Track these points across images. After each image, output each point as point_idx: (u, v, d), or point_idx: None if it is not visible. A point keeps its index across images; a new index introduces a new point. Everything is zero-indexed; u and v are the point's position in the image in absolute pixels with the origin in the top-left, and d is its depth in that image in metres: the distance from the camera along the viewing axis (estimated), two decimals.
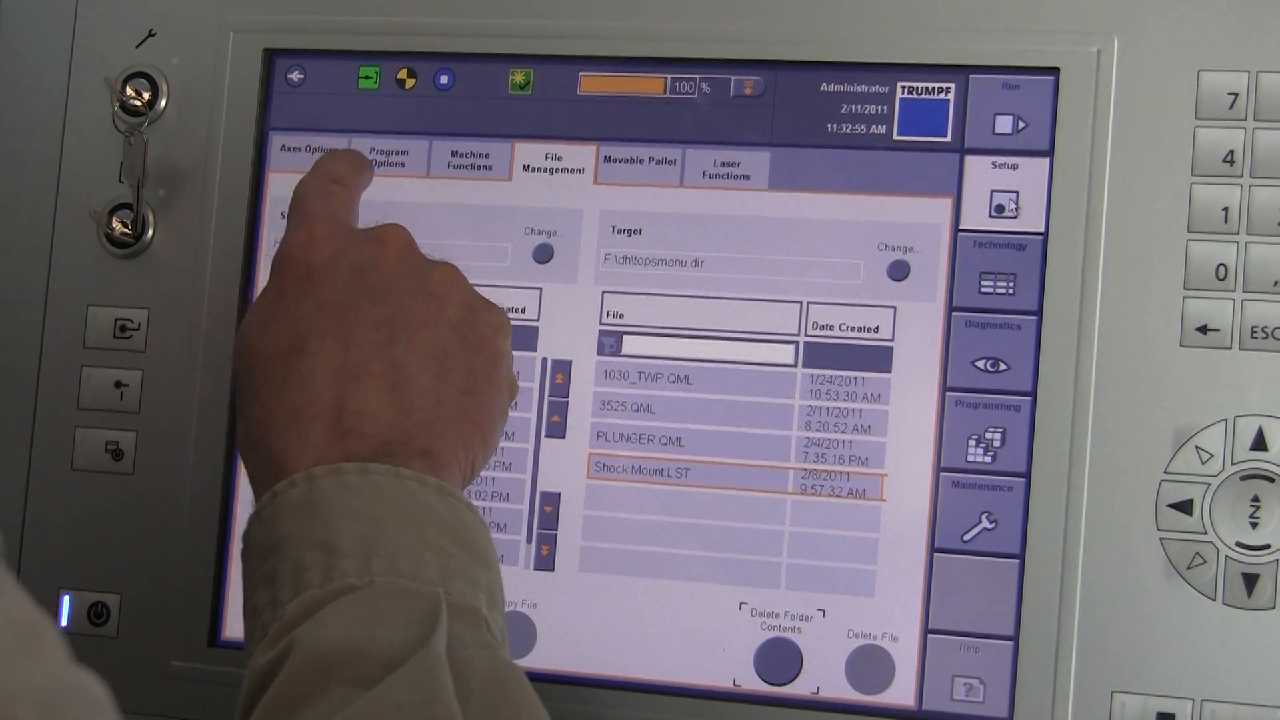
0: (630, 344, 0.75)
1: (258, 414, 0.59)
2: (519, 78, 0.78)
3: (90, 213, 0.80)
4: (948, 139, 0.73)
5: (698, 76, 0.76)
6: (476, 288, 0.64)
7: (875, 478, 0.72)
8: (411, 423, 0.58)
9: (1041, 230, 0.72)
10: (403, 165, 0.78)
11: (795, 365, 0.74)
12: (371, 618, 0.52)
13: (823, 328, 0.73)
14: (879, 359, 0.73)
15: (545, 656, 0.74)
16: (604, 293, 0.76)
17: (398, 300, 0.61)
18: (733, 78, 0.76)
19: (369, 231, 0.64)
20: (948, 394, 0.72)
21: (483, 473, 0.72)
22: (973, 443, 0.72)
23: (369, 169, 0.72)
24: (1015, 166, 0.73)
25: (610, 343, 0.75)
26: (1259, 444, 0.69)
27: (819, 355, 0.73)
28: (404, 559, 0.54)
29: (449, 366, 0.60)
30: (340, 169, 0.68)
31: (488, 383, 0.62)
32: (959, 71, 0.73)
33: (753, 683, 0.73)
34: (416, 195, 0.78)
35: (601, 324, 0.75)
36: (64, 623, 0.79)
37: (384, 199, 0.78)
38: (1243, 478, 0.70)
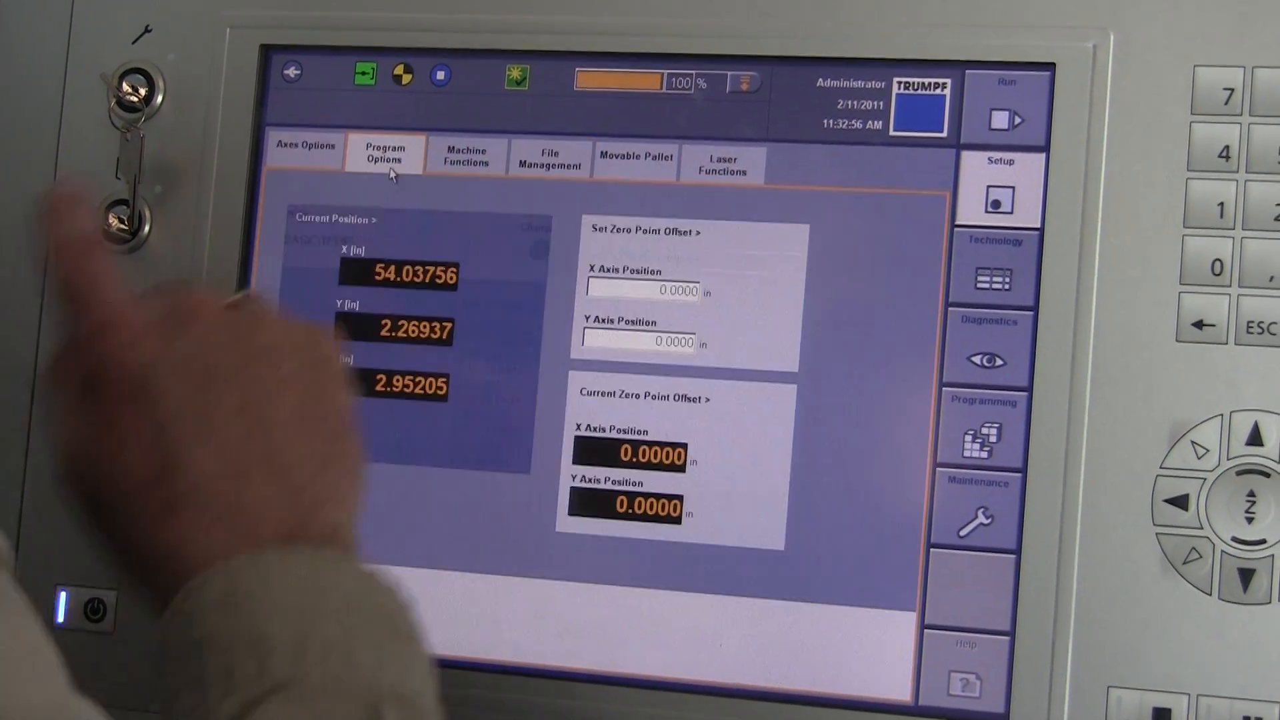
0: (620, 339, 0.75)
1: (138, 539, 0.54)
2: (515, 73, 0.78)
3: None
4: (944, 134, 0.73)
5: (694, 72, 0.76)
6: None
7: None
8: (307, 501, 0.56)
9: (1037, 226, 0.72)
10: (399, 161, 0.78)
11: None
12: (310, 717, 0.49)
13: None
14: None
15: None
16: (591, 282, 0.76)
17: (237, 382, 0.56)
18: (729, 73, 0.76)
19: (170, 304, 0.57)
20: (944, 389, 0.72)
21: None
22: (969, 438, 0.72)
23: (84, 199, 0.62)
24: (1011, 162, 0.73)
25: (601, 336, 0.75)
26: (1255, 439, 0.69)
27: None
28: (337, 650, 0.51)
29: (315, 426, 0.57)
30: (78, 228, 0.59)
31: (348, 413, 0.59)
32: (955, 67, 0.74)
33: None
34: (412, 191, 0.78)
35: (593, 319, 0.76)
36: (60, 619, 0.79)
37: (381, 198, 0.78)
38: (1238, 473, 0.70)
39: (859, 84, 0.74)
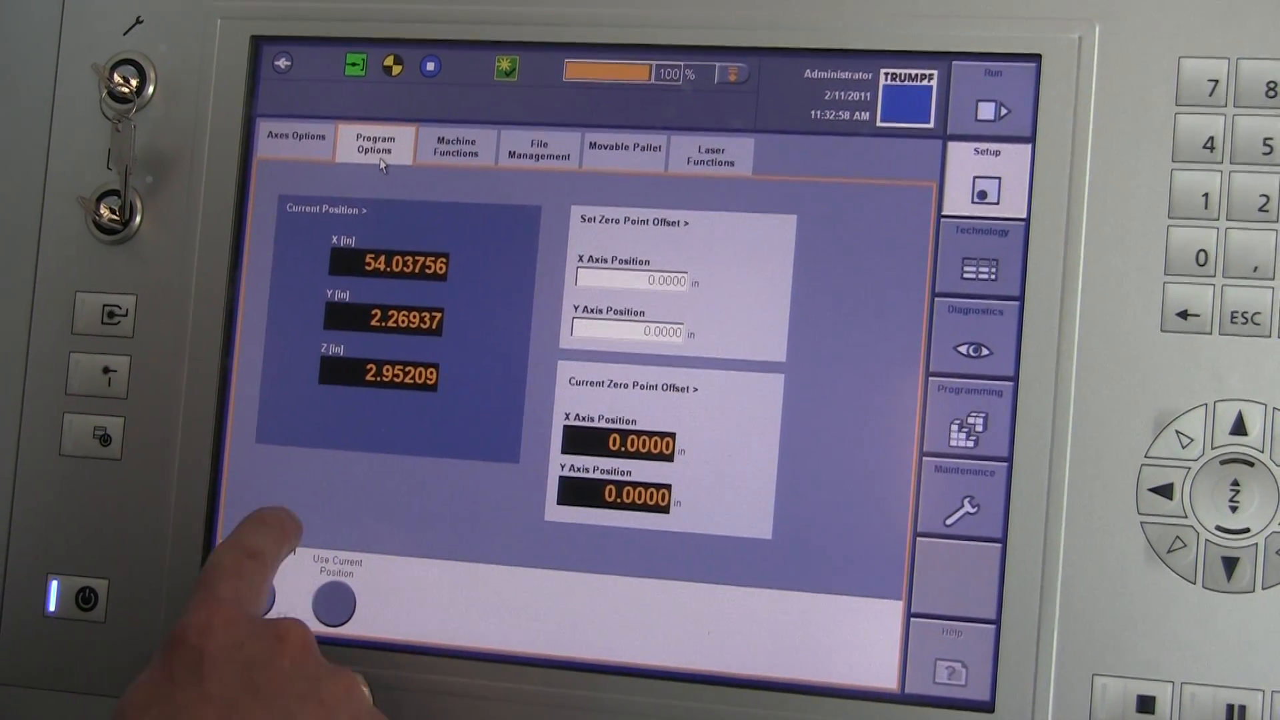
0: (609, 329, 0.76)
1: None
2: (505, 64, 0.78)
3: (78, 199, 0.80)
4: (930, 125, 0.74)
5: (682, 63, 0.76)
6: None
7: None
8: None
9: (1023, 216, 0.72)
10: (389, 152, 0.79)
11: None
12: None
13: None
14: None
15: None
16: (580, 272, 0.76)
17: (285, 705, 0.59)
18: (717, 64, 0.76)
19: (270, 625, 0.62)
20: (930, 379, 0.73)
21: None
22: (955, 427, 0.72)
23: (294, 536, 0.70)
24: (997, 153, 0.73)
25: (590, 325, 0.76)
26: (1239, 428, 0.70)
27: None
28: None
29: None
30: (260, 542, 0.67)
31: None
32: (942, 58, 0.74)
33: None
34: (402, 181, 0.78)
35: (582, 309, 0.76)
36: (52, 607, 0.80)
37: (371, 188, 0.79)
38: (1223, 462, 0.70)
39: (846, 75, 0.75)
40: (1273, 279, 0.70)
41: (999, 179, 0.73)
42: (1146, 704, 0.69)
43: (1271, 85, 0.71)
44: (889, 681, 0.72)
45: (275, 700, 0.59)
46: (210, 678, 0.59)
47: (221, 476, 0.79)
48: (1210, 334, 0.70)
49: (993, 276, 0.72)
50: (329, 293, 0.79)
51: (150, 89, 0.81)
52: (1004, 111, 0.73)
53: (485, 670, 0.75)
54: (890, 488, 0.72)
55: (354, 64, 0.80)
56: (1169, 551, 0.70)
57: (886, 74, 0.74)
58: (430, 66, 0.79)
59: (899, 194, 0.74)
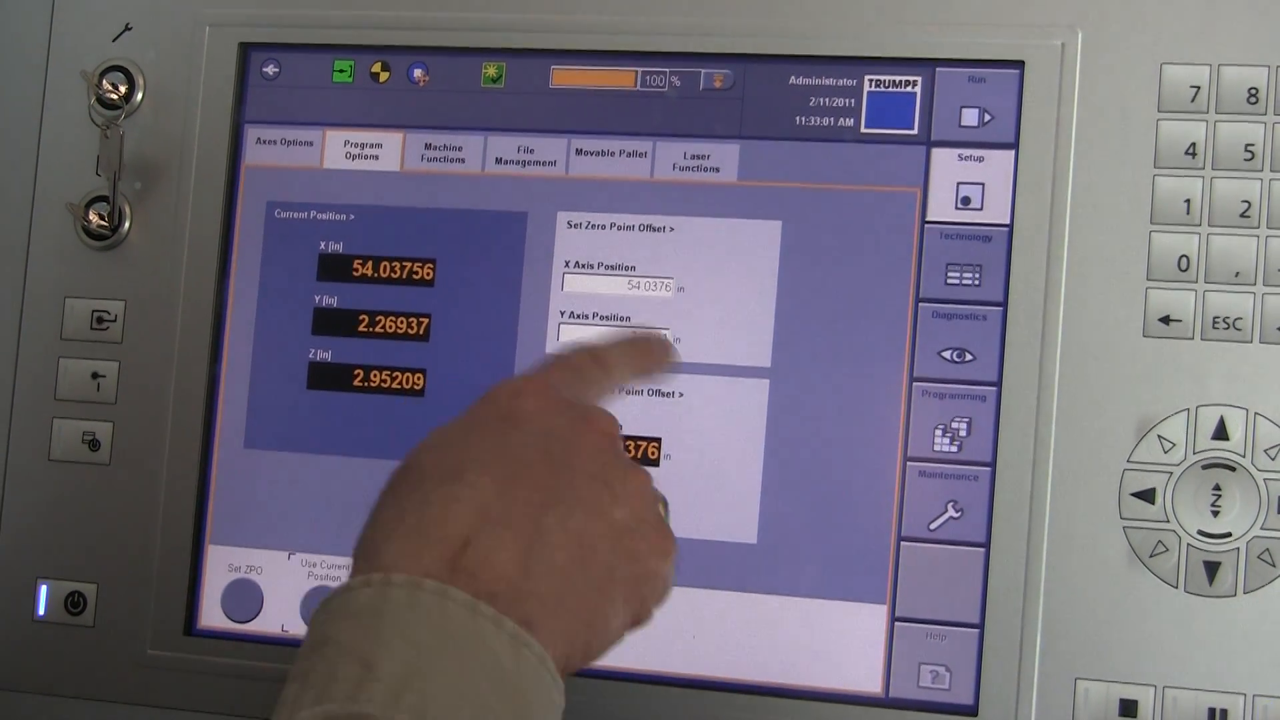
0: (593, 334, 0.76)
1: (388, 516, 0.55)
2: (491, 71, 0.79)
3: (67, 205, 0.81)
4: (914, 132, 0.74)
5: (668, 70, 0.77)
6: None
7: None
8: (526, 588, 0.53)
9: (1007, 222, 0.73)
10: (377, 158, 0.79)
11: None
12: None
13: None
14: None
15: None
16: (566, 278, 0.76)
17: (573, 476, 0.57)
18: (703, 71, 0.76)
19: (581, 408, 0.60)
20: (914, 384, 0.73)
21: None
22: (939, 432, 0.72)
23: (661, 363, 0.67)
24: (981, 159, 0.73)
25: (576, 331, 0.76)
26: (1220, 433, 0.70)
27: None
28: (437, 704, 0.49)
29: (590, 559, 0.56)
30: (616, 356, 0.64)
31: (619, 594, 0.57)
32: (925, 65, 0.74)
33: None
34: (390, 187, 0.79)
35: (568, 314, 0.76)
36: (41, 612, 0.80)
37: (358, 193, 0.79)
38: (1204, 467, 0.70)
39: (831, 82, 0.75)
40: (1254, 284, 0.70)
41: (982, 185, 0.73)
42: (1129, 708, 0.70)
43: (1253, 91, 0.71)
44: (873, 685, 0.72)
45: (564, 470, 0.57)
46: (511, 434, 0.58)
47: (210, 481, 0.79)
48: (1192, 339, 0.71)
49: (976, 282, 0.73)
50: (317, 298, 0.79)
51: (139, 95, 0.81)
52: (987, 118, 0.73)
53: None
54: (874, 492, 0.73)
55: (341, 71, 0.80)
56: (1151, 556, 0.70)
57: (871, 80, 0.75)
58: (417, 73, 0.79)
59: (883, 200, 0.74)
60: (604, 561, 0.56)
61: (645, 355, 0.66)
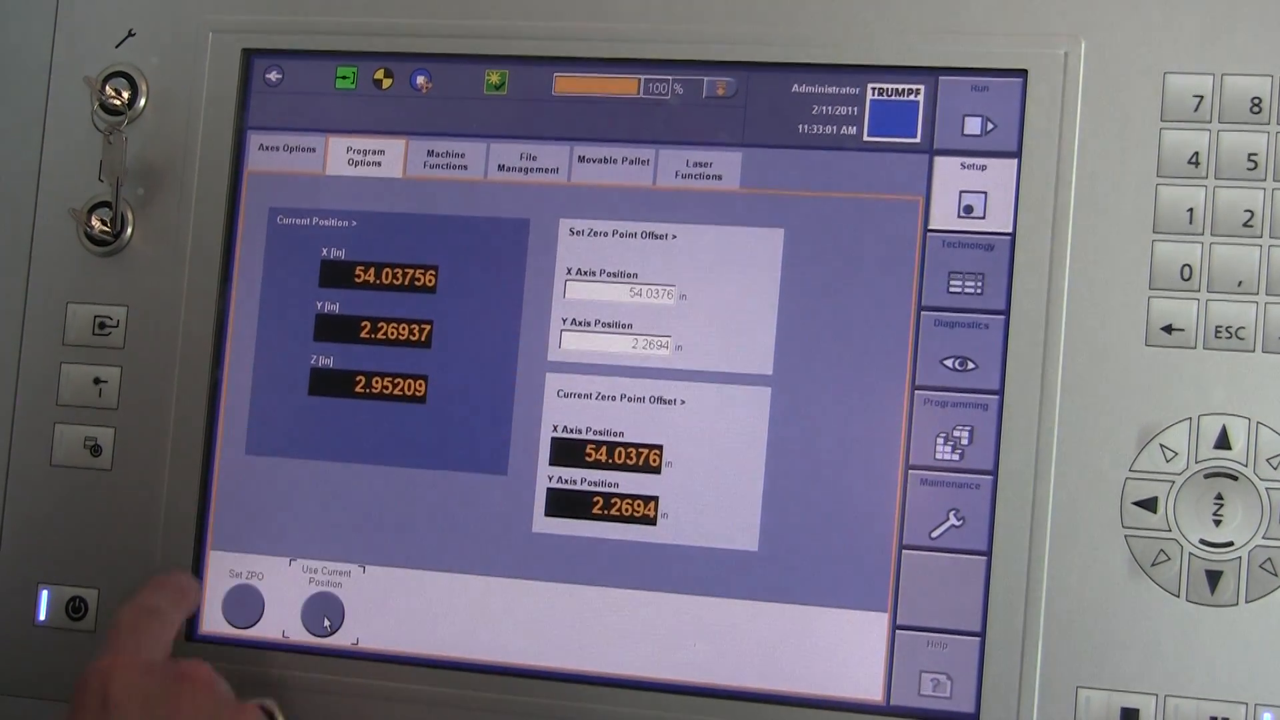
0: (597, 342, 0.76)
1: None
2: (494, 78, 0.79)
3: (70, 211, 0.81)
4: (917, 140, 0.74)
5: (671, 77, 0.77)
6: None
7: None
8: None
9: (1009, 231, 0.73)
10: (379, 165, 0.79)
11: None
12: None
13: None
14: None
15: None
16: (568, 285, 0.76)
17: None
18: (705, 79, 0.77)
19: (172, 666, 0.68)
20: (916, 392, 0.73)
21: None
22: (941, 440, 0.72)
23: (191, 597, 0.76)
24: (984, 167, 0.73)
25: (578, 338, 0.76)
26: (1222, 442, 0.70)
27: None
28: None
29: None
30: (158, 601, 0.73)
31: None
32: (928, 73, 0.74)
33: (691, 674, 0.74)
34: (392, 194, 0.79)
35: (570, 322, 0.76)
36: (42, 617, 0.80)
37: (360, 199, 0.79)
38: (1206, 476, 0.70)
39: (833, 90, 0.75)
40: (1257, 293, 0.70)
41: (985, 193, 0.73)
42: (1130, 716, 0.70)
43: (1256, 101, 0.71)
44: (874, 693, 0.72)
45: None
46: (114, 716, 0.64)
47: (211, 487, 0.79)
48: (1195, 348, 0.71)
49: (978, 290, 0.73)
50: (319, 304, 0.79)
51: (142, 101, 0.81)
52: (990, 126, 0.73)
53: (473, 680, 0.75)
54: (876, 500, 0.73)
55: (344, 77, 0.80)
56: (1153, 564, 0.70)
57: (873, 89, 0.75)
58: (420, 80, 0.79)
59: (886, 208, 0.74)
60: None
61: (180, 591, 0.75)
